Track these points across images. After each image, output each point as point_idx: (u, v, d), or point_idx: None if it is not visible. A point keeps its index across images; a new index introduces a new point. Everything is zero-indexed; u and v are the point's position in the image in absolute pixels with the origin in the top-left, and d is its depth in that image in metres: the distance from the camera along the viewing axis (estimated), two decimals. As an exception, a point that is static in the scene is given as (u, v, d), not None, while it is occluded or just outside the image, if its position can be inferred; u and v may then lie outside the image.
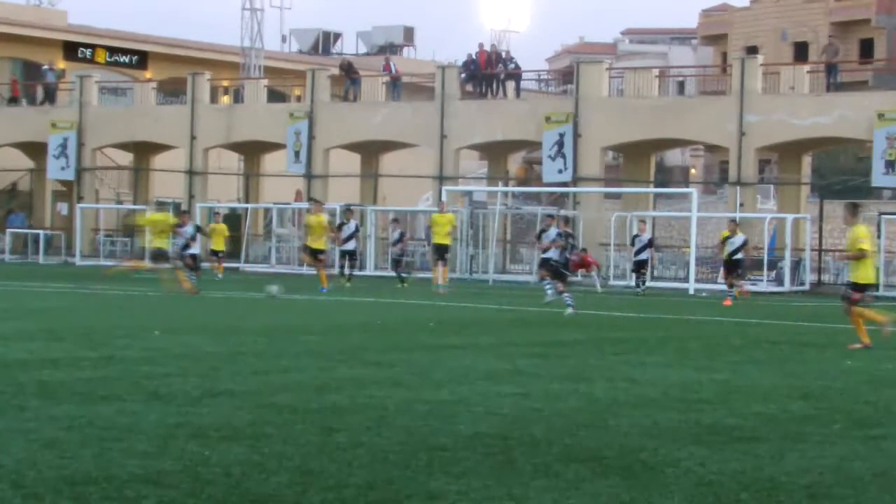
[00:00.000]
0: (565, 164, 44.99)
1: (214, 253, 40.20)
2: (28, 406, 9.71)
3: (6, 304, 22.53)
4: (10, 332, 16.01)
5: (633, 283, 36.85)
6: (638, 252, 35.72)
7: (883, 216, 41.87)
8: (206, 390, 10.88)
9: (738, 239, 32.69)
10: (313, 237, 32.29)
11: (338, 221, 36.57)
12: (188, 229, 31.63)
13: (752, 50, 67.82)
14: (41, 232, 53.20)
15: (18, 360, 12.87)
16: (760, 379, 13.23)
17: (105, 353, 13.80)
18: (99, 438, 8.33)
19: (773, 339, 18.85)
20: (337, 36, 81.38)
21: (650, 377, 13.03)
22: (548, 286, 26.77)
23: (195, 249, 31.97)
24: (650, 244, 36.91)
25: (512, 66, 49.65)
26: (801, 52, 74.87)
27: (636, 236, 36.02)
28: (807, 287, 39.96)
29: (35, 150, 56.63)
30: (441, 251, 33.92)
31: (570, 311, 23.58)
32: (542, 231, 29.95)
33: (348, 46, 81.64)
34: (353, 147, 51.48)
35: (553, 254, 28.03)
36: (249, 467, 7.55)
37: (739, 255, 32.68)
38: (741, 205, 42.35)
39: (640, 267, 35.96)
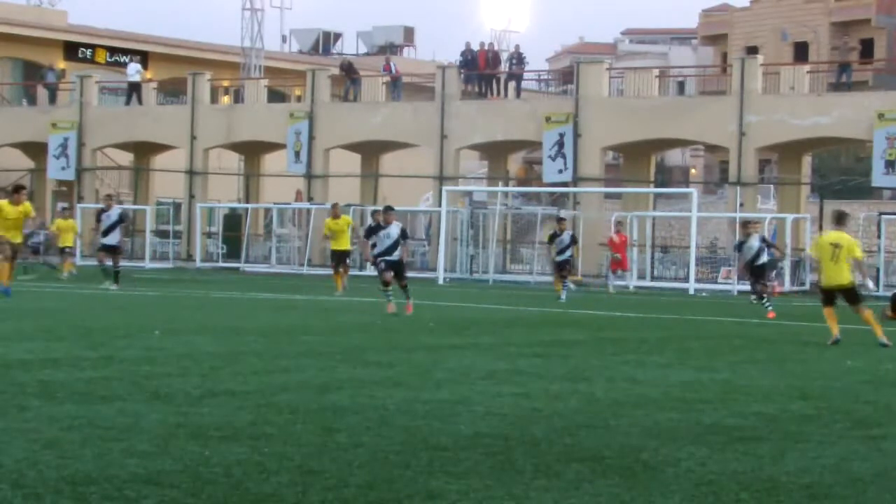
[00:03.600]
0: (565, 164, 45.02)
1: (62, 250, 38.81)
2: (28, 406, 9.72)
3: (6, 304, 22.52)
4: (10, 332, 16.01)
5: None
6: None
7: (883, 216, 41.89)
8: (206, 390, 10.89)
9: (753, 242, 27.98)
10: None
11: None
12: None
13: (752, 50, 67.84)
14: (41, 232, 53.14)
15: (19, 360, 12.87)
16: (760, 379, 13.24)
17: (105, 353, 13.80)
18: (99, 438, 8.34)
19: (772, 339, 18.86)
20: (337, 36, 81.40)
21: (650, 377, 13.04)
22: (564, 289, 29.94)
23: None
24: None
25: (524, 64, 49.69)
26: (801, 52, 74.90)
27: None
28: (807, 287, 39.95)
29: (35, 150, 56.65)
30: (341, 257, 31.45)
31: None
32: (556, 235, 31.26)
33: (348, 46, 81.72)
34: (353, 147, 51.50)
35: (569, 254, 30.92)
36: (250, 467, 7.56)
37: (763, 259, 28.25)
38: (741, 205, 42.38)
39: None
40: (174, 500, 6.71)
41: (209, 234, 54.24)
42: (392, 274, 22.46)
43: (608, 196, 48.75)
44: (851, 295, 18.12)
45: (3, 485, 6.87)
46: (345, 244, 31.55)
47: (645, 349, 16.45)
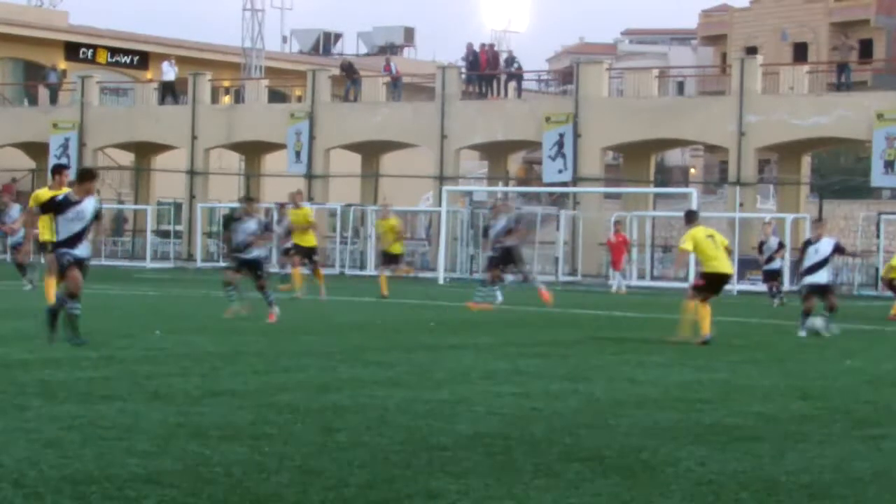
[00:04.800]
0: (565, 164, 45.03)
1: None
2: (29, 406, 9.73)
3: (6, 304, 22.53)
4: (11, 332, 16.01)
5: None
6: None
7: (882, 216, 41.89)
8: (206, 390, 10.90)
9: None
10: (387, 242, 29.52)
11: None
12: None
13: (752, 50, 67.84)
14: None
15: (19, 360, 12.88)
16: (760, 379, 13.25)
17: (105, 353, 13.80)
18: (100, 438, 8.35)
19: (772, 339, 18.86)
20: (337, 36, 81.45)
21: (650, 377, 13.05)
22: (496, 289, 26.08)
23: None
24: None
25: (515, 66, 49.78)
26: (800, 52, 74.91)
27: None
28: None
29: (36, 150, 56.66)
30: (307, 253, 27.86)
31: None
32: (488, 226, 27.21)
33: (349, 47, 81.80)
34: (353, 147, 51.52)
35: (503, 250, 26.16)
36: (250, 467, 7.57)
37: None
38: (741, 205, 42.39)
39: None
40: (174, 499, 6.72)
41: (210, 234, 54.25)
42: (237, 275, 20.31)
43: (608, 196, 48.75)
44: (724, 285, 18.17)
45: (4, 484, 6.88)
46: (310, 239, 27.99)
47: (645, 349, 16.46)
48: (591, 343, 17.47)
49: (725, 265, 18.15)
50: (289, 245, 28.99)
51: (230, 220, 20.45)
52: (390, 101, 50.12)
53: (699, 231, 18.25)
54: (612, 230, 37.70)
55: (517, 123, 46.70)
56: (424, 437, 8.79)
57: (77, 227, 14.66)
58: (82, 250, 14.76)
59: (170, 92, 54.15)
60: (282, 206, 31.45)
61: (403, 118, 48.75)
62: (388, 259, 29.74)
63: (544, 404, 10.68)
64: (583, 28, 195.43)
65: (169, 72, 54.26)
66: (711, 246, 17.99)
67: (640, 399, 11.24)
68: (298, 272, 27.57)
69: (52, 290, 18.03)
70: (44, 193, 17.91)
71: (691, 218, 18.66)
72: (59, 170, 18.62)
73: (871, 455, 8.68)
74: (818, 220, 20.74)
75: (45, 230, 18.70)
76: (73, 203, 14.73)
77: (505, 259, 25.12)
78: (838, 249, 19.95)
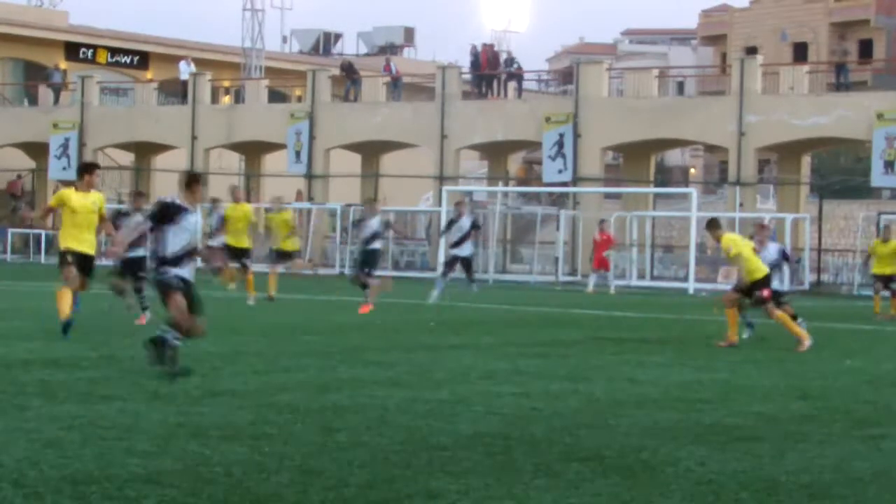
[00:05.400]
0: (565, 164, 45.03)
1: None
2: (29, 406, 9.73)
3: (7, 304, 22.53)
4: (11, 332, 16.01)
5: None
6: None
7: (882, 216, 41.90)
8: (206, 390, 10.90)
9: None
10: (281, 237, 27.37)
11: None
12: None
13: (752, 50, 67.84)
14: (42, 232, 53.20)
15: (20, 360, 12.88)
16: (760, 379, 13.26)
17: (105, 352, 13.80)
18: (100, 438, 8.35)
19: (772, 339, 18.84)
20: (337, 36, 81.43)
21: (650, 377, 13.05)
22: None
23: None
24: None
25: (515, 66, 49.83)
26: (800, 52, 74.92)
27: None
28: (806, 287, 39.95)
29: (37, 150, 56.67)
30: (240, 255, 25.52)
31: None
32: (453, 221, 26.54)
33: (349, 47, 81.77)
34: (353, 147, 51.54)
35: (467, 250, 26.00)
36: (250, 467, 7.57)
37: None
38: (741, 205, 42.39)
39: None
40: (174, 499, 6.72)
41: (210, 234, 54.18)
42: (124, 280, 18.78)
43: (608, 196, 48.77)
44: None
45: (4, 484, 6.88)
46: (243, 240, 25.76)
47: (645, 349, 16.46)
48: (591, 343, 17.48)
49: (761, 269, 17.96)
50: (217, 243, 27.46)
51: (118, 215, 18.87)
52: (390, 101, 50.14)
53: (736, 235, 18.14)
54: (598, 229, 37.51)
55: (517, 123, 46.72)
56: (424, 437, 8.79)
57: (186, 240, 12.53)
58: (189, 271, 12.64)
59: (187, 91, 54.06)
60: (214, 200, 30.18)
61: (403, 118, 48.76)
62: (281, 256, 27.47)
63: (544, 404, 10.68)
64: (583, 28, 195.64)
65: (186, 71, 54.26)
66: (754, 253, 17.91)
67: (640, 399, 11.24)
68: (230, 271, 25.92)
69: (65, 301, 15.47)
70: (68, 194, 15.92)
71: (718, 224, 18.26)
72: (88, 169, 16.17)
73: (871, 455, 8.69)
74: (761, 226, 20.31)
75: (67, 237, 15.94)
76: (184, 209, 12.66)
77: (366, 262, 23.89)
78: (785, 257, 19.66)
